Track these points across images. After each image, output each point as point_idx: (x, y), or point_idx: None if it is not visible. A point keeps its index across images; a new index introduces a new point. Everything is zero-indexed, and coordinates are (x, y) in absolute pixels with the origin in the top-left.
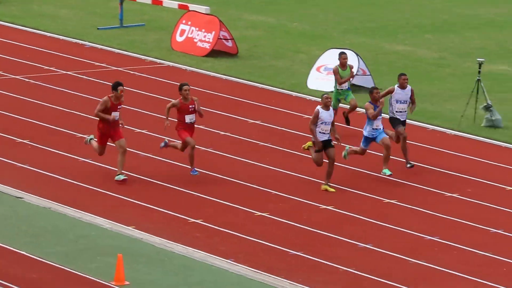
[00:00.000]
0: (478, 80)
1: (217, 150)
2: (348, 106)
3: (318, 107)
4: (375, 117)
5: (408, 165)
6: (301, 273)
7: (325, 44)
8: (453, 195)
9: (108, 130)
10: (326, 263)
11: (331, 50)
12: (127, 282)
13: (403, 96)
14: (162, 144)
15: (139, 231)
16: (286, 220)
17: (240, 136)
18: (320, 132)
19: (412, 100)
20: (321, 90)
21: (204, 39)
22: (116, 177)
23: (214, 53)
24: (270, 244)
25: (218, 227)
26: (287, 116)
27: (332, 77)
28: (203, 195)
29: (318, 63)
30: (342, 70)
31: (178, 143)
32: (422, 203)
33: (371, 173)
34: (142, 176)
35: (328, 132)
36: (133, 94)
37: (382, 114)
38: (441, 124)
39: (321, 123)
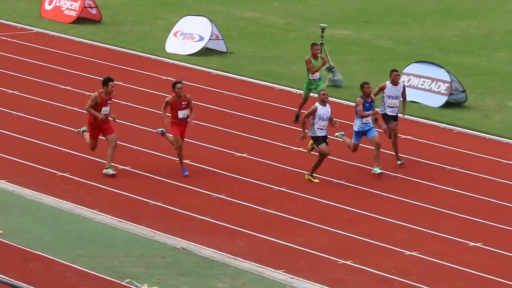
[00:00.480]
0: (321, 43)
1: (80, 108)
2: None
3: (316, 103)
4: (362, 117)
5: (399, 162)
6: (160, 222)
7: (182, 11)
8: (299, 149)
9: (99, 124)
10: (183, 212)
11: (187, 16)
12: (0, 231)
13: (395, 92)
14: (159, 130)
15: (11, 184)
16: (146, 173)
17: None
18: (318, 128)
19: (403, 97)
20: (178, 53)
21: (70, 7)
22: (105, 171)
23: (80, 20)
24: (132, 195)
25: (84, 180)
26: (147, 78)
27: (188, 41)
28: (68, 150)
29: (175, 28)
30: (314, 60)
31: (173, 138)
32: (271, 156)
33: (224, 129)
34: (14, 134)
35: (326, 128)
36: (7, 58)
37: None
38: (288, 84)
39: (319, 119)
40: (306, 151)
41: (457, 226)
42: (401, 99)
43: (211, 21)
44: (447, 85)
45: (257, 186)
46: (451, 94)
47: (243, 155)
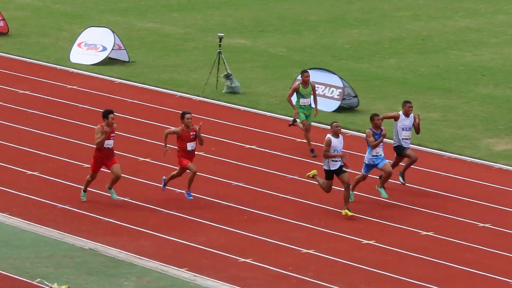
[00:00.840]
0: (219, 52)
1: None
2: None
3: (329, 135)
4: (375, 147)
5: (401, 179)
6: (68, 224)
7: (85, 22)
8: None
9: (102, 159)
10: (90, 214)
11: (90, 28)
12: None
13: (408, 123)
14: (163, 185)
15: None
16: (54, 177)
17: (9, 104)
18: (332, 160)
19: (416, 128)
20: (82, 63)
21: None
22: (112, 194)
23: None
24: (40, 199)
25: None
26: (53, 87)
27: (92, 52)
28: None
29: (79, 39)
30: (303, 88)
31: (175, 173)
32: (173, 161)
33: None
34: None
35: (340, 159)
36: None
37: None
38: (187, 91)
39: (333, 151)
40: (308, 174)
41: (350, 224)
42: (411, 130)
43: (113, 32)
44: (340, 90)
45: (158, 188)
46: (343, 99)
47: (146, 159)
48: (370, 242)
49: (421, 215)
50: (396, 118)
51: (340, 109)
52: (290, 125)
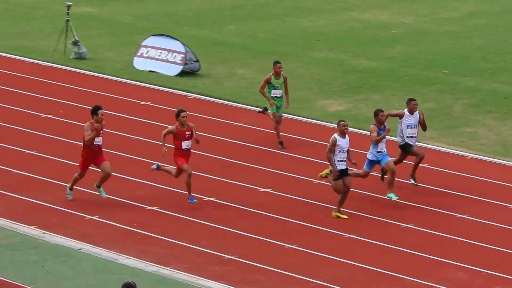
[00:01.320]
0: (67, 20)
1: None
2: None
3: (335, 135)
4: (378, 142)
5: (412, 181)
6: None
7: None
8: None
9: (91, 157)
10: None
11: None
12: None
13: (413, 121)
14: (154, 166)
15: None
16: None
17: None
18: (338, 160)
19: (422, 124)
20: None
21: None
22: (100, 192)
23: None
24: None
25: None
26: None
27: None
28: None
29: None
30: (275, 79)
31: (172, 168)
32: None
33: None
34: None
35: (345, 159)
36: None
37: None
38: (37, 57)
39: (339, 151)
40: (320, 174)
41: (198, 184)
42: (417, 127)
43: None
44: (182, 55)
45: (5, 150)
46: (185, 63)
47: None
48: (211, 198)
49: (260, 173)
50: (400, 116)
51: (182, 74)
52: (259, 112)
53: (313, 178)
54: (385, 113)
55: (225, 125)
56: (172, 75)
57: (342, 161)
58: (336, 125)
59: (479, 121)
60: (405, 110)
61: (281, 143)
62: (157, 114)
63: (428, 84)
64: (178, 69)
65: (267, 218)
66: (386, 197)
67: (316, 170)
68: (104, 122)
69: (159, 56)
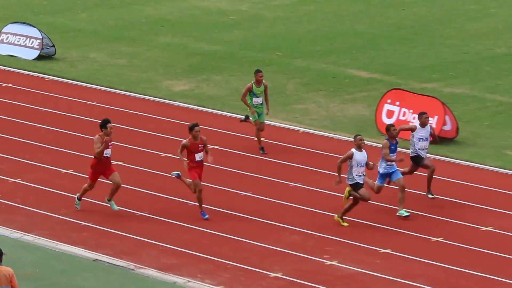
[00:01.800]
0: None
1: None
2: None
3: (352, 149)
4: (388, 161)
5: (430, 196)
6: None
7: None
8: None
9: (101, 168)
10: None
11: None
12: None
13: (425, 133)
14: (175, 174)
15: None
16: None
17: None
18: (356, 175)
19: (433, 136)
20: None
21: None
22: (111, 204)
23: None
24: None
25: None
26: None
27: None
28: None
29: None
30: (256, 87)
31: (190, 182)
32: None
33: None
34: None
35: (364, 174)
36: None
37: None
38: None
39: (357, 165)
40: (343, 198)
41: (53, 157)
42: (429, 140)
43: None
44: (39, 41)
45: None
46: (42, 48)
47: None
48: (68, 171)
49: (160, 140)
50: (412, 130)
51: (40, 58)
52: (241, 121)
53: (152, 131)
54: (398, 129)
55: (81, 104)
56: (30, 59)
57: (360, 175)
58: (353, 139)
59: (309, 99)
60: (417, 124)
61: (262, 148)
62: (17, 95)
63: (263, 65)
64: (35, 53)
65: (122, 189)
66: (397, 215)
67: (154, 137)
68: (112, 135)
69: (18, 42)
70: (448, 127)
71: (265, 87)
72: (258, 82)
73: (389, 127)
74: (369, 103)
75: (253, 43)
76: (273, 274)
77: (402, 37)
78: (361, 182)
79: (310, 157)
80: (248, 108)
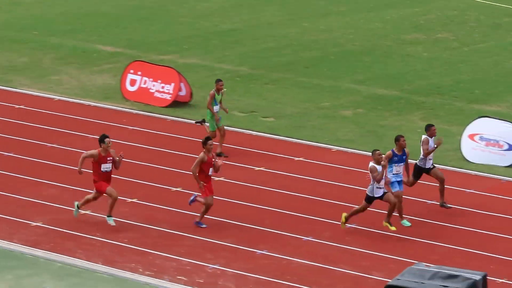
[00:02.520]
0: None
1: None
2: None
3: (371, 163)
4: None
5: (446, 205)
6: None
7: None
8: None
9: (103, 180)
10: None
11: None
12: None
13: (431, 144)
14: (192, 199)
15: None
16: None
17: None
18: (376, 187)
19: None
20: None
21: None
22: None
23: None
24: None
25: None
26: None
27: None
28: None
29: None
30: (217, 95)
31: (205, 200)
32: None
33: None
34: None
35: (383, 186)
36: None
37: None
38: None
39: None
40: (340, 224)
41: None
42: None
43: None
44: None
45: None
46: None
47: None
48: None
49: None
50: (426, 143)
51: None
52: (196, 123)
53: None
54: (426, 149)
55: None
56: None
57: (380, 187)
58: (371, 154)
59: (63, 71)
60: (426, 137)
61: (220, 153)
62: None
63: (22, 43)
64: None
65: None
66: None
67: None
68: (111, 150)
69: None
70: (183, 92)
71: (222, 93)
72: (218, 90)
73: (398, 138)
74: (114, 73)
75: (12, 24)
76: (34, 223)
77: (142, 16)
78: (379, 196)
79: (65, 122)
80: (211, 115)
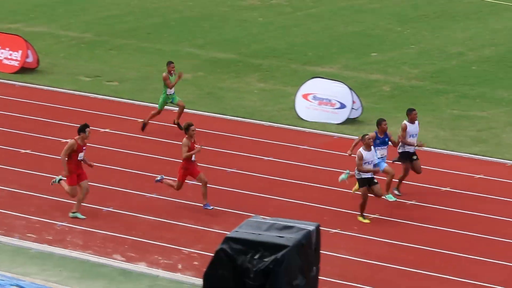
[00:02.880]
0: None
1: None
2: (177, 108)
3: (360, 149)
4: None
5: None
6: None
7: None
8: None
9: (76, 170)
10: None
11: None
12: None
13: (414, 130)
14: (158, 178)
15: None
16: None
17: None
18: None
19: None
20: None
21: None
22: (71, 215)
23: None
24: None
25: None
26: None
27: None
28: None
29: None
30: (170, 77)
31: (173, 181)
32: None
33: None
34: None
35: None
36: None
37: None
38: None
39: (365, 163)
40: (352, 191)
41: None
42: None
43: None
44: None
45: None
46: None
47: None
48: None
49: None
50: (404, 129)
51: None
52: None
53: None
54: (396, 138)
55: None
56: None
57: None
58: (361, 139)
59: None
60: (406, 122)
61: (178, 124)
62: None
63: None
64: None
65: None
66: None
67: None
68: (88, 138)
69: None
70: (30, 59)
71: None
72: (170, 72)
73: (380, 121)
74: None
75: None
76: None
77: None
78: (367, 177)
79: None
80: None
